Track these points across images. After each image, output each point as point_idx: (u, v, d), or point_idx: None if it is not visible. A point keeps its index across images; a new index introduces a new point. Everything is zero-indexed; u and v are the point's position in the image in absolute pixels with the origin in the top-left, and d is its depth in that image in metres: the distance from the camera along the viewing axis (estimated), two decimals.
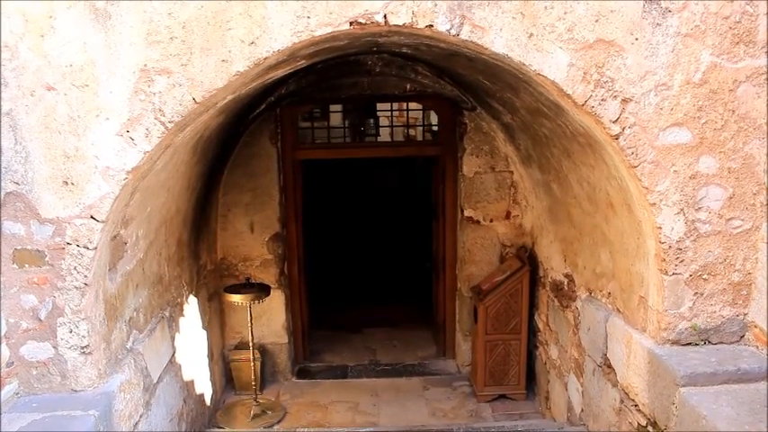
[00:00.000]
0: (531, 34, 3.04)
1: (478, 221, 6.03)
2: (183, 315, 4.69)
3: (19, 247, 3.07)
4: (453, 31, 3.03)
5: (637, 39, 3.05)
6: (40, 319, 3.12)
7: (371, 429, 5.28)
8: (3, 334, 3.09)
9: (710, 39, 3.06)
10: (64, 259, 3.07)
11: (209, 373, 5.37)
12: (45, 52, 2.95)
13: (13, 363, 3.13)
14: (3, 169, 3.01)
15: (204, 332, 5.27)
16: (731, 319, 3.31)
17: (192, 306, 4.95)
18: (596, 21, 3.03)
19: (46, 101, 2.99)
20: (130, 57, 2.98)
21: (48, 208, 3.06)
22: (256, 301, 5.56)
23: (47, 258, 3.08)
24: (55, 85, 2.98)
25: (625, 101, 3.10)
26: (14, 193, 3.04)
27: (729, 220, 3.21)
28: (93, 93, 2.99)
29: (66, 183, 3.04)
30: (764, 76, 3.09)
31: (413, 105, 6.61)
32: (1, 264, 3.07)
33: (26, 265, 3.08)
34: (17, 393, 3.16)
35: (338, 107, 7.04)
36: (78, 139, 3.02)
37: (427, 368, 6.63)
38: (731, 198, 3.20)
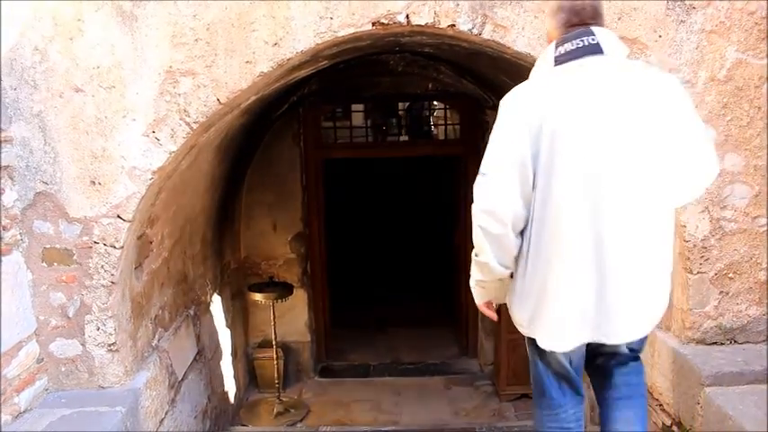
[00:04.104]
0: None
1: None
2: (207, 313, 4.74)
3: (48, 246, 3.13)
4: (475, 31, 3.03)
5: (660, 36, 3.03)
6: (68, 317, 3.17)
7: (394, 428, 5.29)
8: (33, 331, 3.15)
9: (736, 35, 3.02)
10: (91, 258, 3.12)
11: (232, 371, 5.42)
12: (73, 55, 3.01)
13: (42, 359, 3.19)
14: (33, 170, 3.08)
15: (228, 330, 5.32)
16: (758, 319, 3.26)
17: (215, 304, 5.00)
18: (619, 18, 3.01)
19: (74, 102, 3.05)
20: (156, 58, 3.02)
21: (75, 207, 3.11)
22: (279, 300, 5.60)
23: (75, 257, 3.13)
24: (83, 86, 3.04)
25: None
26: (44, 193, 3.10)
27: (756, 218, 3.17)
28: (119, 94, 3.04)
29: (94, 183, 3.10)
30: None
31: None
32: (31, 262, 3.13)
33: (55, 264, 3.14)
34: (46, 389, 3.22)
35: (360, 107, 7.06)
36: (105, 140, 3.07)
37: (450, 367, 6.63)
38: (757, 196, 3.16)
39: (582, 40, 2.18)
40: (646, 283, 2.31)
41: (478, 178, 2.27)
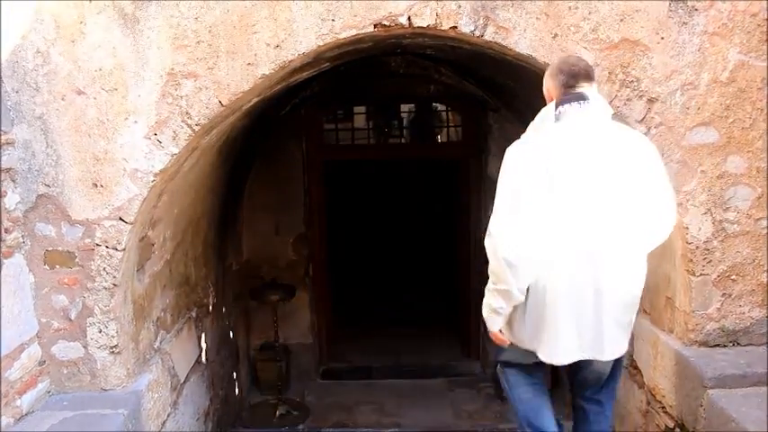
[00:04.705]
0: (556, 35, 3.03)
1: None
2: (209, 315, 4.74)
3: (50, 249, 3.13)
4: (477, 33, 3.03)
5: (662, 38, 3.02)
6: (70, 319, 3.17)
7: (396, 430, 5.29)
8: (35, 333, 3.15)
9: (738, 37, 3.02)
10: (93, 260, 3.12)
11: (234, 373, 5.42)
12: (75, 57, 3.01)
13: (44, 362, 3.19)
14: (35, 172, 3.08)
15: (230, 332, 5.32)
16: (760, 321, 3.26)
17: (217, 306, 5.00)
18: (621, 20, 3.01)
19: (76, 105, 3.05)
20: (158, 61, 3.02)
21: (78, 210, 3.11)
22: (281, 302, 5.60)
23: (77, 259, 3.13)
24: (85, 89, 3.04)
25: (651, 101, 3.07)
26: (46, 196, 3.10)
27: (758, 220, 3.17)
28: (121, 96, 3.04)
29: (96, 185, 3.10)
30: None
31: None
32: (33, 264, 3.13)
33: (57, 266, 3.14)
34: (49, 392, 3.22)
35: (362, 108, 7.06)
36: (107, 142, 3.07)
37: (452, 369, 6.61)
38: (760, 198, 3.15)
39: (579, 104, 2.56)
40: (627, 310, 2.69)
41: (494, 219, 2.59)
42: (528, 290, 2.59)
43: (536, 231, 2.51)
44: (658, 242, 2.75)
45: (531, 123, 2.72)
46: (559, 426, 2.97)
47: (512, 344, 2.78)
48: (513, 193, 2.54)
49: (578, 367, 2.78)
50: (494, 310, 2.69)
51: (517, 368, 2.91)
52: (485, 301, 2.73)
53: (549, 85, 2.70)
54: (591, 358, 2.68)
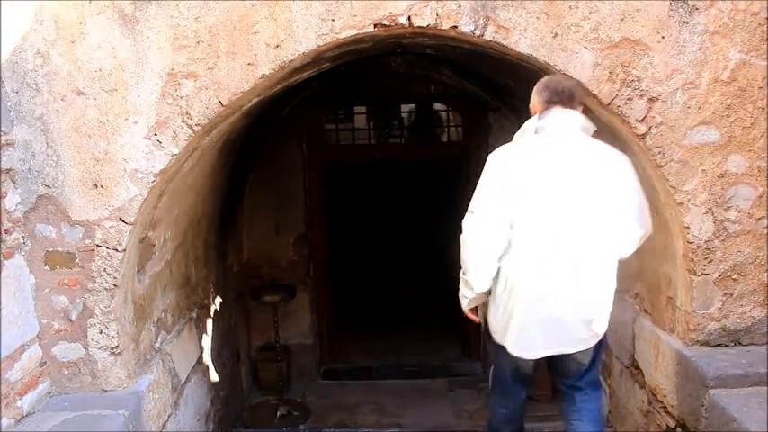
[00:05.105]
0: (556, 34, 3.02)
1: None
2: (210, 316, 4.73)
3: (50, 249, 3.13)
4: (477, 32, 3.03)
5: (663, 37, 3.02)
6: (70, 320, 3.17)
7: (397, 431, 5.28)
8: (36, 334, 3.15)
9: (739, 36, 3.02)
10: (94, 261, 3.12)
11: (235, 374, 5.41)
12: (75, 58, 3.01)
13: (45, 362, 3.19)
14: (35, 173, 3.08)
15: (231, 333, 5.31)
16: (762, 320, 3.25)
17: (218, 307, 4.99)
18: (622, 20, 3.01)
19: (76, 105, 3.05)
20: (158, 61, 3.02)
21: (78, 210, 3.11)
22: (282, 303, 5.59)
23: (77, 260, 3.13)
24: (85, 89, 3.04)
25: (651, 100, 3.07)
26: (46, 196, 3.10)
27: (759, 219, 3.16)
28: (121, 97, 3.04)
29: (96, 186, 3.09)
30: None
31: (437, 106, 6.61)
32: (33, 265, 3.13)
33: (57, 267, 3.14)
34: (49, 392, 3.22)
35: (362, 109, 7.05)
36: (107, 143, 3.07)
37: (452, 369, 6.61)
38: (761, 197, 3.15)
39: (559, 119, 2.76)
40: (594, 308, 2.85)
41: (467, 214, 2.83)
42: (498, 287, 2.84)
43: (500, 230, 2.74)
44: (627, 252, 2.91)
45: (516, 133, 2.92)
46: None
47: (503, 350, 2.98)
48: (483, 194, 2.79)
49: (556, 359, 2.95)
50: (463, 295, 3.00)
51: (504, 378, 3.17)
52: (460, 283, 3.01)
53: (535, 101, 2.89)
54: (556, 353, 2.87)
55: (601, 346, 3.03)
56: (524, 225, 2.73)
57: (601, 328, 2.90)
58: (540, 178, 2.73)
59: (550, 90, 2.81)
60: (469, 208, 2.83)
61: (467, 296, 2.97)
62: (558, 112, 2.78)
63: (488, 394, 3.34)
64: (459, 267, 3.00)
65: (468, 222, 2.82)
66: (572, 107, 2.80)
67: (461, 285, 2.99)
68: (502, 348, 2.98)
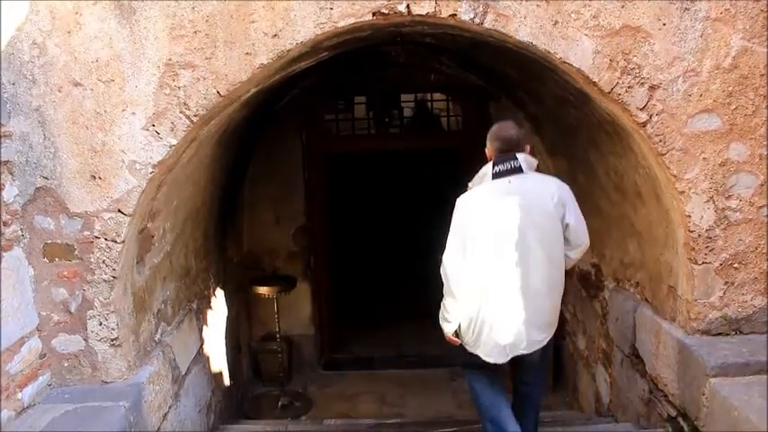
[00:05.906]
0: (556, 22, 3.00)
1: None
2: (210, 307, 4.73)
3: (49, 241, 3.12)
4: (477, 20, 3.00)
5: (664, 24, 2.99)
6: (70, 312, 3.17)
7: (398, 421, 5.29)
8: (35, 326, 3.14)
9: (741, 22, 2.99)
10: (93, 253, 3.11)
11: (236, 365, 5.42)
12: (72, 48, 2.99)
13: (45, 355, 3.19)
14: (32, 165, 3.06)
15: (231, 324, 5.31)
16: (763, 309, 3.24)
17: (218, 298, 4.99)
18: (622, 7, 2.98)
19: (73, 96, 3.03)
20: (155, 51, 3.00)
21: (76, 202, 3.10)
22: (283, 294, 5.60)
23: (76, 252, 3.12)
24: (81, 80, 3.02)
25: (652, 88, 3.05)
26: (44, 188, 3.09)
27: (761, 207, 3.15)
28: (118, 88, 3.02)
29: (94, 177, 3.08)
30: None
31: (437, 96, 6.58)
32: (32, 258, 3.12)
33: (56, 259, 3.13)
34: (50, 384, 3.22)
35: (362, 99, 7.02)
36: (105, 134, 3.06)
37: (453, 359, 6.59)
38: (762, 185, 3.13)
39: (510, 164, 3.15)
40: (547, 317, 3.27)
41: (445, 251, 3.27)
42: (470, 310, 3.25)
43: (471, 267, 3.17)
44: (571, 262, 3.36)
45: (475, 177, 3.31)
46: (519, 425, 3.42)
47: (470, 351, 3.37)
48: (455, 235, 3.21)
49: (516, 361, 3.32)
50: (444, 319, 3.41)
51: (478, 372, 3.46)
52: (440, 311, 3.42)
53: (489, 147, 3.27)
54: (518, 355, 3.24)
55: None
56: (489, 259, 3.15)
57: (552, 327, 3.33)
58: (498, 215, 3.14)
59: (501, 140, 3.22)
60: (446, 249, 3.27)
61: (449, 320, 3.38)
62: (510, 158, 3.16)
63: (464, 375, 3.69)
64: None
65: (445, 261, 3.27)
66: (519, 151, 3.19)
67: (443, 309, 3.40)
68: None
